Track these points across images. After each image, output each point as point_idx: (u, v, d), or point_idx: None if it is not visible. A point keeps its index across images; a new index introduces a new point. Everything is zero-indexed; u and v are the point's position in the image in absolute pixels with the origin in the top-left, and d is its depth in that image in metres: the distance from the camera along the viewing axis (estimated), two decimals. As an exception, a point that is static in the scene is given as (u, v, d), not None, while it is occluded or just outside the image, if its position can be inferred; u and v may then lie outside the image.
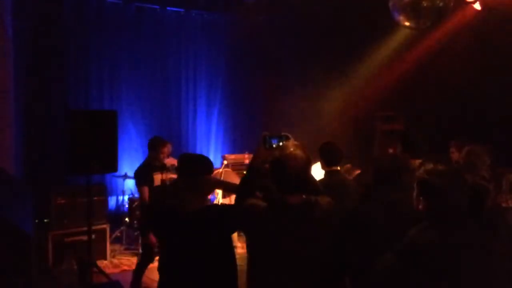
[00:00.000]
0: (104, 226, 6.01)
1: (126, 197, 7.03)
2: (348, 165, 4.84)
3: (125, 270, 5.85)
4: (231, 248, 2.59)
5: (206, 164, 2.59)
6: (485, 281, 1.98)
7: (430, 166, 2.10)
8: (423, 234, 2.02)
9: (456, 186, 2.03)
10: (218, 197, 6.98)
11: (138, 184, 4.92)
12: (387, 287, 2.11)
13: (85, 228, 5.07)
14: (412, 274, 1.97)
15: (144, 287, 4.92)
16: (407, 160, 3.08)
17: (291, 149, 2.27)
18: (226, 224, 2.47)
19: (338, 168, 3.79)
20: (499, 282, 2.04)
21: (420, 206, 2.09)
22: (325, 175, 3.77)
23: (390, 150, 5.47)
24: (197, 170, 2.53)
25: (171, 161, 7.60)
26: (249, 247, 2.42)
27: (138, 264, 4.98)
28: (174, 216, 2.47)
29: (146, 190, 4.82)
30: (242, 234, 4.59)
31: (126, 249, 6.43)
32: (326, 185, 3.71)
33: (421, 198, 2.09)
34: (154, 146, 5.02)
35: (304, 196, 2.28)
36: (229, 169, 6.90)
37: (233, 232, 2.91)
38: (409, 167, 2.82)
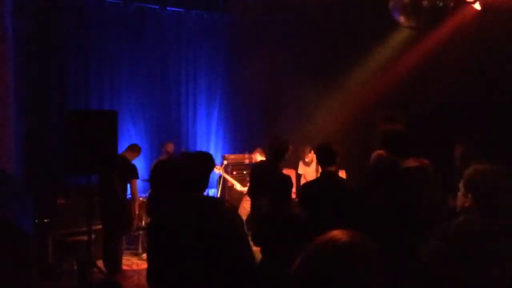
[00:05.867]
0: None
1: (126, 197, 7.02)
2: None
3: (124, 270, 5.85)
4: None
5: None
6: None
7: (481, 166, 2.23)
8: (468, 223, 2.20)
9: (507, 187, 2.20)
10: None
11: None
12: (434, 271, 2.22)
13: (85, 228, 5.07)
14: (458, 259, 2.13)
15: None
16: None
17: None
18: None
19: (333, 168, 3.82)
20: None
21: (466, 204, 2.25)
22: (321, 175, 3.87)
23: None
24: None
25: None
26: None
27: None
28: None
29: None
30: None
31: (126, 249, 6.42)
32: (321, 185, 3.77)
33: (468, 194, 2.24)
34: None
35: None
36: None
37: None
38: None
